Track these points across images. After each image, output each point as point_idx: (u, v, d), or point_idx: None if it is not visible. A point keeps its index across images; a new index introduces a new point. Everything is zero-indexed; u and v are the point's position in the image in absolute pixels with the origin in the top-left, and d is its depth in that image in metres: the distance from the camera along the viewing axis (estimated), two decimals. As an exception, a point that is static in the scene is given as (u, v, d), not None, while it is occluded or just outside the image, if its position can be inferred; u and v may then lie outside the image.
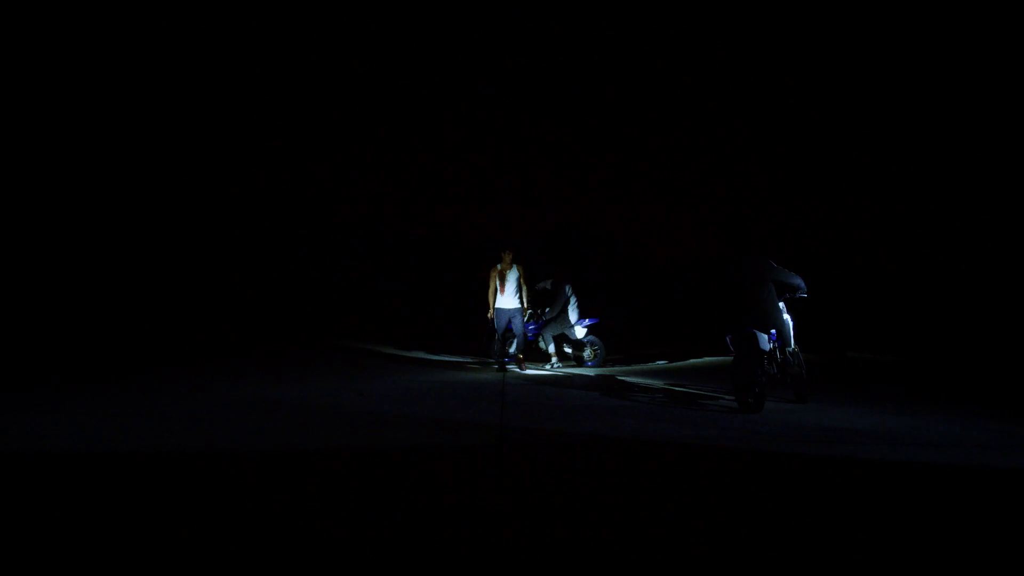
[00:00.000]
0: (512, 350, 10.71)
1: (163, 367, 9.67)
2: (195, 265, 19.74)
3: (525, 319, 10.57)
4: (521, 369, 10.20)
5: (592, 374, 10.47)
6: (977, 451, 5.54)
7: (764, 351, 7.22)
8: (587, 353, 11.25)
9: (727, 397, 8.04)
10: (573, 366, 11.21)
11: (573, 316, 11.18)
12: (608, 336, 11.68)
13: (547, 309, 11.28)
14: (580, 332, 11.24)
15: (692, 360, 12.18)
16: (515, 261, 10.36)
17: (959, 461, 5.18)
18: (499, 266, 10.34)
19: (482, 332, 11.35)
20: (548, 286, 11.34)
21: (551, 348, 11.20)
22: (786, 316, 7.68)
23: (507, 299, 10.26)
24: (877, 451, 5.42)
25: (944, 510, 4.01)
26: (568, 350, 11.38)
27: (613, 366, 11.27)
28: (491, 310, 10.41)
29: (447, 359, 11.94)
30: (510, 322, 10.29)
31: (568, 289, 11.21)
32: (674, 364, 11.72)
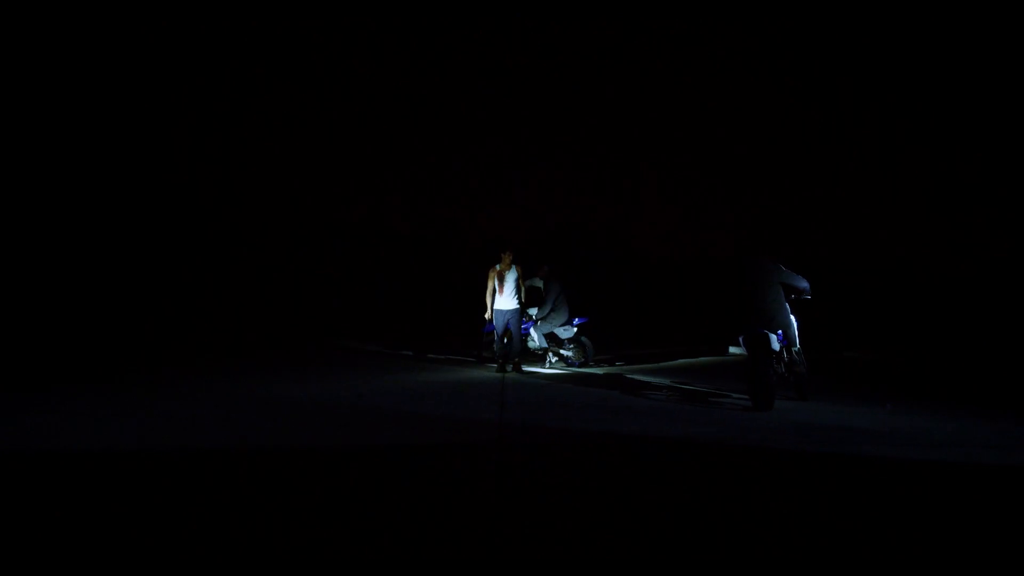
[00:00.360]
0: (505, 349, 10.67)
1: (163, 367, 9.66)
2: (195, 265, 19.72)
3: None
4: (518, 370, 10.18)
5: (599, 372, 10.47)
6: (978, 450, 5.54)
7: (775, 351, 7.43)
8: (576, 352, 11.22)
9: (734, 395, 8.08)
10: (563, 366, 11.17)
11: (563, 315, 11.13)
12: (597, 336, 11.67)
13: (536, 308, 11.23)
14: (570, 331, 11.20)
15: (682, 360, 12.16)
16: (514, 262, 10.34)
17: (960, 460, 5.18)
18: (498, 266, 10.32)
19: (481, 332, 11.33)
20: (538, 284, 11.29)
21: (544, 346, 11.15)
22: (791, 317, 7.80)
23: (505, 300, 10.24)
24: (881, 450, 5.42)
25: (946, 509, 4.01)
26: (561, 350, 11.34)
27: (601, 366, 11.24)
28: (489, 311, 10.40)
29: (447, 358, 11.93)
30: (508, 322, 10.28)
31: (557, 288, 11.17)
32: (669, 363, 11.71)
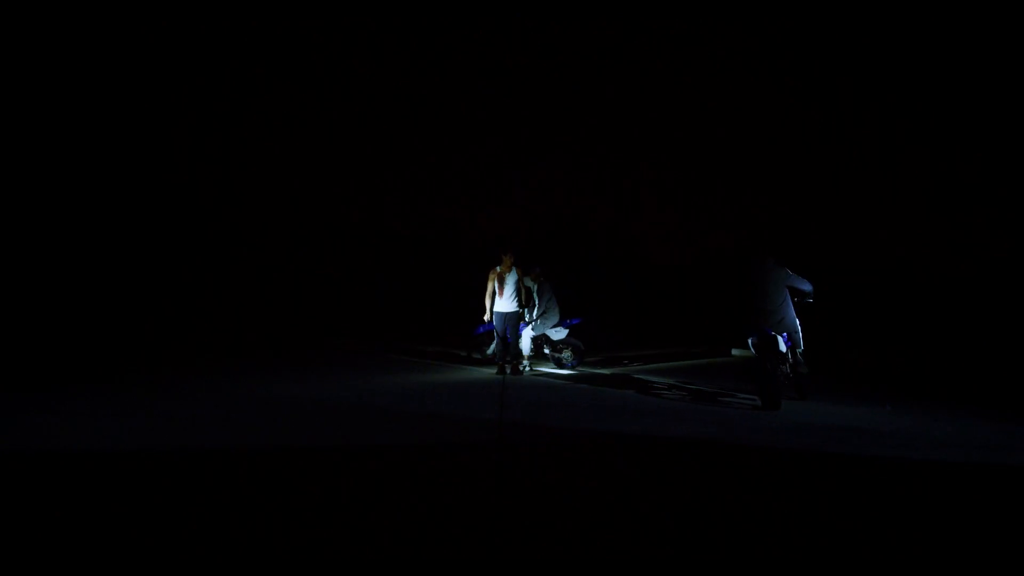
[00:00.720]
0: (505, 351, 10.63)
1: (163, 367, 9.66)
2: (195, 265, 19.72)
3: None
4: (516, 372, 10.17)
5: (606, 372, 10.47)
6: (978, 451, 5.55)
7: (782, 352, 7.56)
8: (567, 354, 11.18)
9: (740, 395, 8.12)
10: (552, 367, 11.12)
11: (554, 317, 11.10)
12: (597, 336, 11.62)
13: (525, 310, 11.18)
14: (562, 333, 11.17)
15: (683, 360, 12.14)
16: (515, 264, 10.32)
17: (960, 460, 5.19)
18: (498, 268, 10.31)
19: (473, 333, 11.29)
20: (530, 286, 11.25)
21: (526, 349, 11.09)
22: (796, 319, 7.90)
23: (505, 302, 10.22)
24: (881, 450, 5.42)
25: (946, 509, 4.01)
26: (556, 353, 11.29)
27: (593, 367, 11.19)
28: (488, 312, 10.38)
29: (447, 359, 11.92)
30: (508, 325, 10.26)
31: (549, 289, 11.14)
32: (673, 364, 11.70)
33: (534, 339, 11.13)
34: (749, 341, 7.71)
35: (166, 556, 3.04)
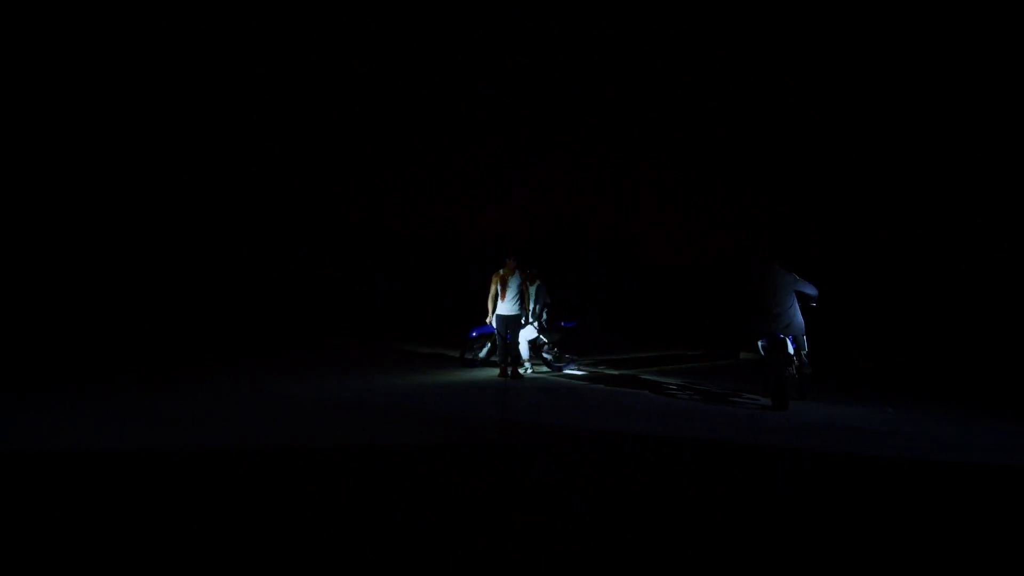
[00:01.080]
0: (498, 355, 10.61)
1: (163, 367, 9.66)
2: (195, 265, 19.72)
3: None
4: (516, 375, 10.17)
5: (615, 373, 10.48)
6: (977, 451, 5.55)
7: (789, 354, 7.69)
8: (563, 356, 11.16)
9: (745, 395, 8.15)
10: (546, 369, 11.10)
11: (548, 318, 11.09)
12: (596, 337, 11.62)
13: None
14: (557, 335, 11.16)
15: (674, 364, 12.12)
16: (518, 267, 10.32)
17: (960, 461, 5.18)
18: (501, 271, 10.31)
19: (476, 336, 11.28)
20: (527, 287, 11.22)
21: (524, 352, 11.07)
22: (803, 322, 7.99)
23: (507, 305, 10.23)
24: (881, 450, 5.42)
25: (946, 510, 4.01)
26: (548, 356, 11.27)
27: (584, 368, 11.18)
28: (490, 315, 10.38)
29: (447, 360, 11.92)
30: (508, 327, 10.25)
31: (544, 291, 11.13)
32: (668, 367, 11.69)
33: (531, 341, 11.13)
34: (759, 344, 7.86)
35: (166, 556, 3.04)
